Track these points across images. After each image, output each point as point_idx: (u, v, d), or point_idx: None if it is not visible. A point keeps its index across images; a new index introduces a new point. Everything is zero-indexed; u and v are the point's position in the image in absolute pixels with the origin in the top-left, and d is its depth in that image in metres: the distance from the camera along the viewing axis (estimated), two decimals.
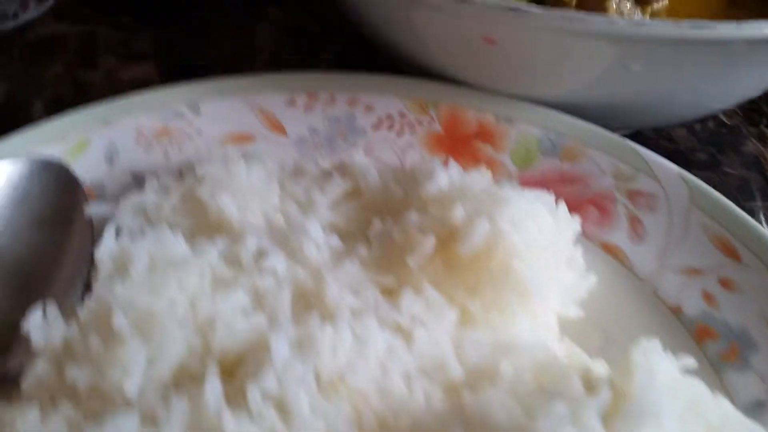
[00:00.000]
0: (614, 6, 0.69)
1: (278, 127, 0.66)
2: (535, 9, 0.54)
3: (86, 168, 0.60)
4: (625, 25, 0.54)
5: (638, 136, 0.74)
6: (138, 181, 0.61)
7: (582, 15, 0.54)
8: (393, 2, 0.62)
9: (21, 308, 0.49)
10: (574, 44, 0.57)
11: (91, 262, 0.53)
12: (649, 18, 0.71)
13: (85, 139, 0.62)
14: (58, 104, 0.73)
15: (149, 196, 0.54)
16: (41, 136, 0.61)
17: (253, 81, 0.69)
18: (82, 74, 0.81)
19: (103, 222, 0.55)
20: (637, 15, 0.71)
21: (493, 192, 0.50)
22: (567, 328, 0.52)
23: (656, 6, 0.72)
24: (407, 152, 0.65)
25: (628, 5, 0.71)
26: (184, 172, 0.58)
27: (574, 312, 0.53)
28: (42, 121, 0.62)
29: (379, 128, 0.66)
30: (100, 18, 0.89)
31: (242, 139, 0.65)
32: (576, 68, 0.60)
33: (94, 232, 0.55)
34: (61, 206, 0.56)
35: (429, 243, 0.48)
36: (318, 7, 0.90)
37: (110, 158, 0.62)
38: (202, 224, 0.54)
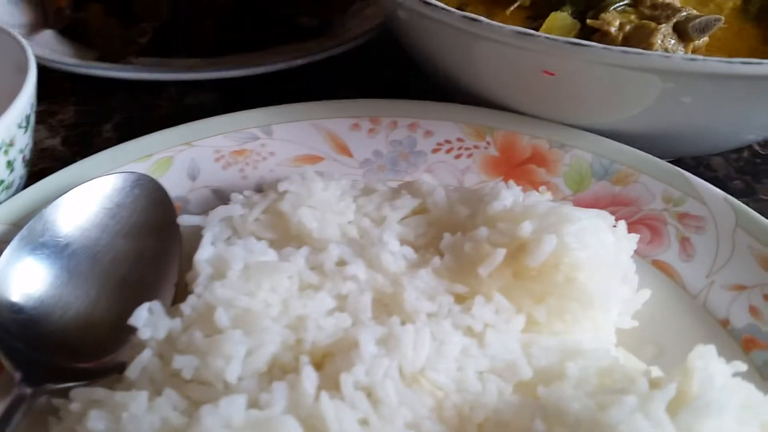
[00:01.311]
0: (659, 42, 0.74)
1: (344, 150, 0.71)
2: (596, 44, 0.59)
3: (171, 183, 0.64)
4: (680, 60, 0.58)
5: (678, 163, 0.78)
6: (218, 196, 0.67)
7: (640, 51, 0.59)
8: (457, 35, 0.67)
9: (122, 308, 0.54)
10: (630, 77, 0.61)
11: (180, 267, 0.58)
12: (691, 53, 0.76)
13: (169, 158, 0.67)
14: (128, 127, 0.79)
15: (235, 208, 0.59)
16: (128, 155, 0.66)
17: (321, 106, 0.74)
18: (150, 99, 0.87)
19: (189, 231, 0.60)
20: (681, 50, 0.76)
21: (557, 210, 0.54)
22: (622, 338, 0.56)
23: (697, 42, 0.77)
24: (466, 174, 0.69)
25: (672, 41, 0.75)
26: (264, 188, 0.63)
27: (629, 323, 0.57)
28: (127, 144, 0.67)
29: (438, 152, 0.71)
30: None
31: (312, 159, 0.70)
32: (628, 99, 0.65)
33: (182, 241, 0.60)
34: (153, 216, 0.61)
35: (500, 254, 0.52)
36: None
37: (192, 175, 0.67)
38: (284, 235, 0.59)
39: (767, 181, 0.86)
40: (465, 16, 0.62)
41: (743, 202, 0.65)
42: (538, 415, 0.43)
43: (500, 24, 0.62)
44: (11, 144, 0.59)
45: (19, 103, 0.59)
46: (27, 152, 0.64)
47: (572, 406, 0.42)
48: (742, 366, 0.47)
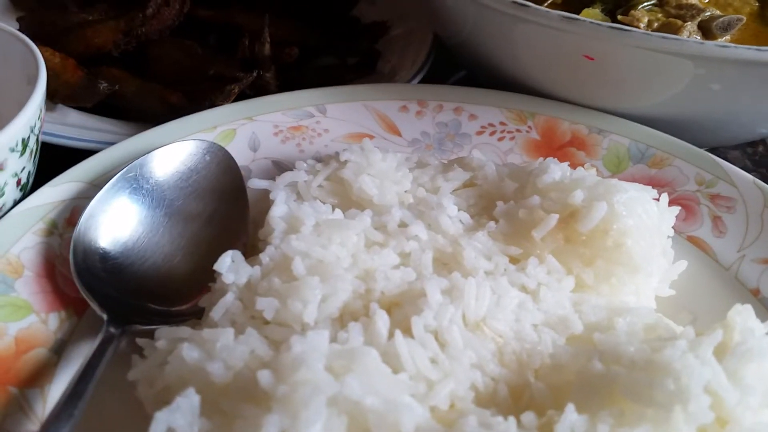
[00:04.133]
0: (686, 33, 0.79)
1: (393, 129, 0.76)
2: (637, 29, 0.64)
3: (234, 153, 0.68)
4: (713, 47, 0.63)
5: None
6: (277, 167, 0.71)
7: (677, 36, 0.64)
8: (501, 20, 0.71)
9: (196, 262, 0.58)
10: (665, 62, 0.66)
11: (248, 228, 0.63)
12: None
13: (232, 131, 0.71)
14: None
15: (301, 174, 0.63)
16: (195, 126, 0.70)
17: (371, 88, 0.78)
18: None
19: (253, 197, 0.65)
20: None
21: (605, 182, 0.58)
22: (660, 305, 0.60)
23: (720, 41, 0.81)
24: (508, 155, 0.74)
25: (697, 38, 0.80)
26: (324, 159, 0.67)
27: (667, 291, 0.61)
28: (195, 115, 0.71)
29: (482, 134, 0.75)
30: None
31: (363, 137, 0.74)
32: (661, 84, 0.69)
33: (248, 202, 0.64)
34: (222, 181, 0.65)
35: (553, 219, 0.56)
36: None
37: (253, 147, 0.71)
38: (345, 201, 0.63)
39: None
40: (515, 2, 0.67)
41: None
42: (596, 357, 0.47)
43: (547, 9, 0.66)
44: (1, 168, 0.56)
45: (12, 128, 0.55)
46: (24, 176, 0.61)
47: (627, 349, 0.46)
48: None
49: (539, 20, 0.66)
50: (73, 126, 0.75)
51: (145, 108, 0.78)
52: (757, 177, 0.87)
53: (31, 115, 0.56)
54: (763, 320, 0.52)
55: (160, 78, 0.82)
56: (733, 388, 0.44)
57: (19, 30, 0.90)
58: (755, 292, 0.61)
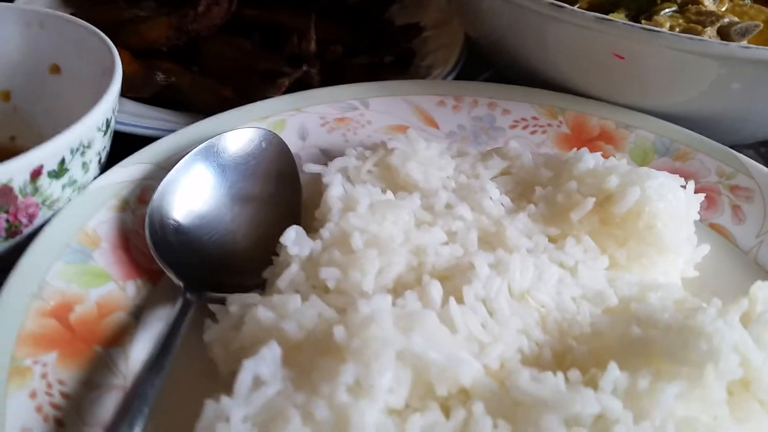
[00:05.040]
0: (708, 34, 0.84)
1: (432, 122, 0.80)
2: (667, 31, 0.68)
3: (285, 141, 0.73)
4: (737, 48, 0.68)
5: None
6: (325, 154, 0.75)
7: (703, 38, 0.69)
8: (533, 20, 0.76)
9: (257, 239, 0.63)
10: (691, 62, 0.71)
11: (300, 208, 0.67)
12: None
13: (282, 121, 0.76)
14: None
15: (351, 160, 0.68)
16: (248, 116, 0.75)
17: (411, 84, 0.84)
18: None
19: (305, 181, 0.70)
20: None
21: (637, 170, 0.63)
22: (685, 285, 0.65)
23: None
24: (540, 148, 0.78)
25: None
26: (372, 147, 0.72)
27: (691, 273, 0.65)
28: (248, 106, 0.76)
29: (515, 128, 0.80)
30: None
31: (403, 129, 0.79)
32: (687, 83, 0.74)
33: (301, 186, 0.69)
34: (277, 166, 0.70)
35: (590, 202, 0.61)
36: None
37: (302, 136, 0.76)
38: (392, 185, 0.68)
39: None
40: (552, 3, 0.72)
41: None
42: (634, 322, 0.51)
43: (582, 10, 0.71)
44: (89, 146, 0.61)
45: (99, 108, 0.59)
46: (103, 155, 0.65)
47: (662, 316, 0.51)
48: None
49: (574, 20, 0.71)
50: (132, 114, 0.80)
51: (198, 100, 0.83)
52: None
53: (113, 99, 0.61)
54: None
55: (211, 72, 0.87)
56: (758, 349, 0.49)
57: None
58: None
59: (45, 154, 0.55)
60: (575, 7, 0.71)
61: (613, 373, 0.47)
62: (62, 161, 0.57)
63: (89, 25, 0.73)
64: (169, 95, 0.84)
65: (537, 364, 0.52)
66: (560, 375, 0.48)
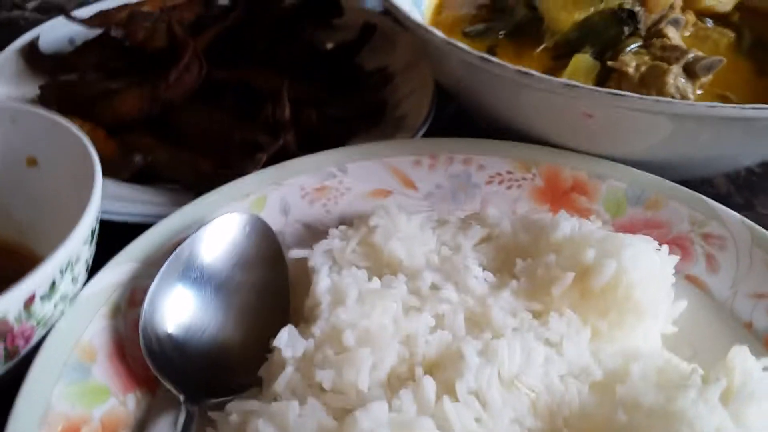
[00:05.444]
0: (671, 81, 0.86)
1: (410, 184, 0.82)
2: (632, 94, 0.70)
3: (268, 219, 0.74)
4: (703, 107, 0.70)
5: (686, 183, 0.90)
6: (308, 229, 0.77)
7: (667, 100, 0.71)
8: (507, 85, 0.78)
9: (246, 332, 0.65)
10: (657, 119, 0.73)
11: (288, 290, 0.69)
12: (698, 89, 0.88)
13: (264, 197, 0.77)
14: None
15: (335, 242, 0.70)
16: (230, 196, 0.76)
17: (386, 146, 0.85)
18: None
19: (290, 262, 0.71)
20: (689, 87, 0.88)
21: (613, 237, 0.65)
22: (665, 341, 0.67)
23: (703, 80, 0.88)
24: (517, 203, 0.80)
25: (682, 80, 0.87)
26: (354, 222, 0.73)
27: (670, 329, 0.68)
28: (228, 185, 0.77)
29: (491, 183, 0.82)
30: None
31: (383, 193, 0.81)
32: (654, 136, 0.76)
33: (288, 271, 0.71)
34: (263, 252, 0.71)
35: (569, 277, 0.63)
36: None
37: (285, 211, 0.77)
38: (377, 263, 0.69)
39: (763, 196, 0.98)
40: (520, 71, 0.73)
41: (744, 216, 0.76)
42: (619, 407, 0.54)
43: (550, 77, 0.73)
44: (77, 261, 0.61)
45: (84, 223, 0.60)
46: (90, 260, 0.65)
47: (646, 399, 0.54)
48: None
49: (542, 86, 0.73)
50: (113, 198, 0.80)
51: (178, 176, 0.84)
52: (740, 200, 0.96)
53: (96, 210, 0.62)
54: (756, 353, 0.60)
55: (187, 143, 0.87)
56: (737, 429, 0.52)
57: (41, 97, 0.96)
58: (748, 325, 0.68)
59: (36, 282, 0.56)
60: (542, 75, 0.72)
61: None
62: (53, 284, 0.58)
63: (61, 118, 0.73)
64: (147, 172, 0.85)
65: None
66: None
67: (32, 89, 0.98)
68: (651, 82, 0.86)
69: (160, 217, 0.73)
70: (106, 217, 0.77)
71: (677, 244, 0.74)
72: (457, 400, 0.55)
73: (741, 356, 0.58)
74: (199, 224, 0.70)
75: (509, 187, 0.82)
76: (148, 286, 0.64)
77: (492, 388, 0.56)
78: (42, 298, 0.57)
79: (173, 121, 0.90)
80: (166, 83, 0.89)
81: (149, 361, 0.59)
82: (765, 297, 0.70)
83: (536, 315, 0.64)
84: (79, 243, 0.60)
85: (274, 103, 0.86)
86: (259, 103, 0.90)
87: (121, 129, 0.89)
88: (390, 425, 0.51)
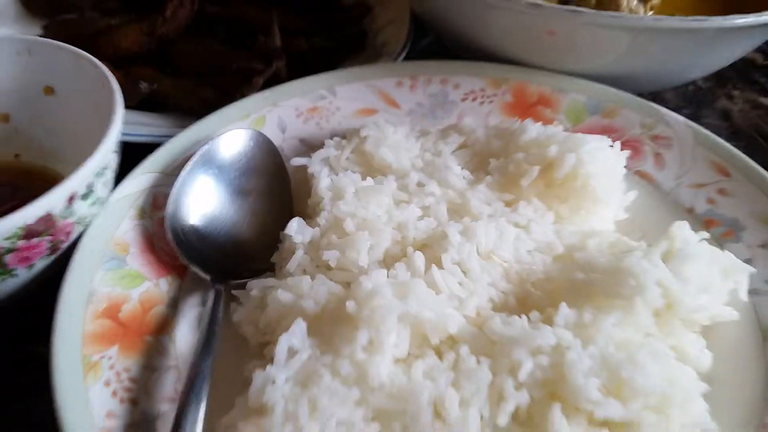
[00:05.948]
0: (625, 3, 0.95)
1: (393, 103, 0.91)
2: (589, 10, 0.80)
3: (267, 135, 0.83)
4: (650, 20, 0.80)
5: (640, 96, 1.00)
6: (304, 144, 0.86)
7: (622, 14, 0.81)
8: (478, 7, 0.87)
9: (259, 229, 0.74)
10: (612, 34, 0.82)
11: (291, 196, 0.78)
12: (649, 10, 0.98)
13: (263, 117, 0.86)
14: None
15: (331, 150, 0.79)
16: (231, 116, 0.85)
17: (370, 69, 0.94)
18: None
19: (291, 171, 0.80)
20: (641, 9, 0.97)
21: (573, 137, 0.75)
22: (618, 226, 0.78)
23: (654, 2, 0.98)
24: (489, 116, 0.90)
25: (635, 2, 0.97)
26: (347, 135, 0.82)
27: (622, 215, 0.79)
28: (229, 106, 0.86)
29: (465, 101, 0.91)
30: None
31: (369, 112, 0.90)
32: (610, 50, 0.86)
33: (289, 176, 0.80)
34: (266, 162, 0.80)
35: (535, 170, 0.73)
36: None
37: (282, 128, 0.86)
38: (368, 169, 0.79)
39: (708, 108, 1.10)
40: None
41: None
42: (578, 268, 0.65)
43: None
44: (108, 167, 0.69)
45: (112, 134, 0.68)
46: (116, 170, 0.73)
47: (600, 260, 0.64)
48: (705, 234, 0.69)
49: (510, 6, 0.82)
50: (125, 123, 0.88)
51: (181, 103, 0.92)
52: (688, 112, 1.07)
53: (121, 119, 0.71)
54: (696, 231, 0.71)
55: (186, 73, 0.95)
56: (676, 281, 0.63)
57: (46, 35, 1.02)
58: (690, 210, 0.80)
59: (76, 183, 0.64)
60: None
61: (564, 311, 0.61)
62: (90, 185, 0.66)
63: (76, 48, 0.80)
64: (153, 99, 0.93)
65: (505, 309, 0.65)
66: (524, 317, 0.61)
67: (34, 31, 1.04)
68: (607, 4, 0.95)
69: (169, 137, 0.82)
70: (124, 138, 0.85)
71: (630, 146, 0.84)
72: (443, 268, 0.65)
73: (681, 228, 0.69)
74: (207, 140, 0.79)
75: (482, 103, 0.91)
76: (168, 192, 0.73)
77: (472, 259, 0.66)
78: (81, 197, 0.66)
79: (171, 54, 0.98)
80: (162, 18, 0.96)
81: (177, 250, 0.69)
82: (704, 186, 0.81)
83: (508, 204, 0.74)
84: (110, 151, 0.68)
85: (265, 33, 0.94)
86: (249, 35, 0.97)
87: (123, 63, 0.96)
88: (389, 286, 0.61)
